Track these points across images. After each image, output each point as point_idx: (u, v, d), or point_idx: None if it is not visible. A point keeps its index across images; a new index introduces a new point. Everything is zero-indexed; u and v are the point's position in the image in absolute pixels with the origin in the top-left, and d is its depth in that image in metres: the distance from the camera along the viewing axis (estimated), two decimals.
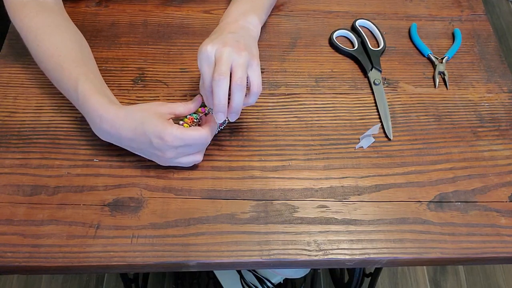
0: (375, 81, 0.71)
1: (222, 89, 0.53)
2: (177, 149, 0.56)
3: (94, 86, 0.58)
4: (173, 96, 0.68)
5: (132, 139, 0.56)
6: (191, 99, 0.61)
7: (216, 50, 0.54)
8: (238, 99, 0.54)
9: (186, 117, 0.60)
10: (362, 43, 0.75)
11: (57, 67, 0.60)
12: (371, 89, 0.70)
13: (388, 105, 0.69)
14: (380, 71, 0.72)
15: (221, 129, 0.64)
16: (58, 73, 0.61)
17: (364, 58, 0.73)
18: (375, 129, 0.64)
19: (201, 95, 0.59)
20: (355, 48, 0.75)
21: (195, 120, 0.60)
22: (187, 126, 0.59)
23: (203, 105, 0.61)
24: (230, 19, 0.63)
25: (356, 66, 0.74)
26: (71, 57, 0.61)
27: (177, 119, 0.59)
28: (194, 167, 0.61)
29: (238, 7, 0.65)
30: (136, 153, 0.60)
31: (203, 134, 0.56)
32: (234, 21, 0.62)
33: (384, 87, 0.71)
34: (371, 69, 0.72)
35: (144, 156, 0.59)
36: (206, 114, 0.61)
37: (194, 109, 0.59)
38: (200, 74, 0.57)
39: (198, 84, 0.60)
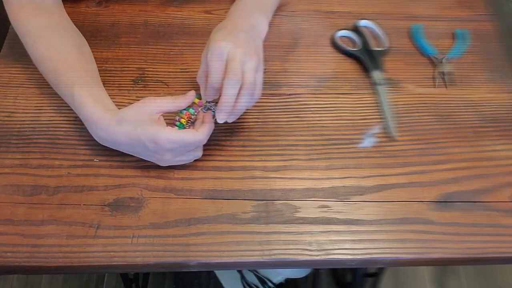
0: (378, 81, 0.70)
1: (234, 90, 0.54)
2: (173, 150, 0.56)
3: (89, 93, 0.58)
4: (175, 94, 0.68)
5: (129, 144, 0.57)
6: None
7: (229, 49, 0.54)
8: (245, 102, 0.55)
9: (181, 112, 0.59)
10: (365, 43, 0.75)
11: (54, 71, 0.61)
12: (374, 89, 0.70)
13: (391, 105, 0.69)
14: (383, 71, 0.72)
15: None
16: (55, 77, 0.61)
17: (366, 58, 0.73)
18: (376, 129, 0.63)
19: (194, 90, 0.59)
20: (357, 48, 0.75)
21: (192, 116, 0.60)
22: (184, 122, 0.59)
23: (198, 96, 0.60)
24: (241, 14, 0.63)
25: (358, 66, 0.74)
26: (69, 61, 0.61)
27: (175, 113, 0.59)
28: (194, 167, 0.61)
29: (248, 3, 0.65)
30: (136, 156, 0.60)
31: (197, 138, 0.56)
32: (245, 17, 0.62)
33: (386, 87, 0.71)
34: (374, 69, 0.72)
35: (145, 158, 0.59)
36: (204, 110, 0.61)
37: (185, 105, 0.58)
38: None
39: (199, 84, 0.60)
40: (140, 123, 0.54)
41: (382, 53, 0.74)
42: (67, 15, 0.68)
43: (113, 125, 0.56)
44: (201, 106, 0.60)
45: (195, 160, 0.62)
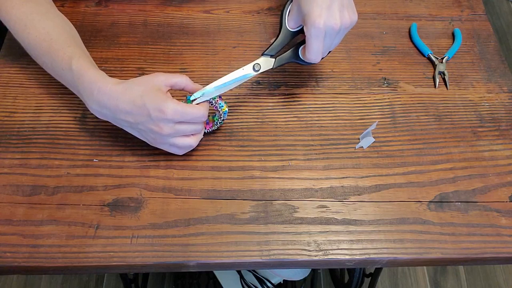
0: (255, 67, 0.62)
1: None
2: (175, 125, 0.56)
3: (89, 62, 0.59)
4: (173, 96, 0.68)
5: (130, 113, 0.56)
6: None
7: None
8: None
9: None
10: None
11: (49, 50, 0.61)
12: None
13: (388, 105, 0.69)
14: (275, 61, 0.63)
15: (219, 124, 0.64)
16: (50, 56, 0.61)
17: (281, 42, 0.63)
18: (374, 126, 0.64)
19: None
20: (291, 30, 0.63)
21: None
22: None
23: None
24: None
25: (357, 66, 0.74)
26: (62, 39, 0.61)
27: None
28: (194, 167, 0.61)
29: None
30: (130, 131, 0.59)
31: (200, 110, 0.56)
32: None
33: (384, 87, 0.71)
34: (268, 55, 0.63)
35: (138, 136, 0.59)
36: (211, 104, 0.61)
37: (192, 86, 0.59)
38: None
39: (197, 84, 0.60)
40: (148, 91, 0.55)
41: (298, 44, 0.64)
42: (52, 2, 0.67)
43: (117, 91, 0.55)
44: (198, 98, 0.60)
45: (194, 160, 0.62)
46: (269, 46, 0.63)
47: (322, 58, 0.61)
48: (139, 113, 0.55)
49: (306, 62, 0.62)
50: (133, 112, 0.55)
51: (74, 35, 0.64)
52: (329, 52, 0.62)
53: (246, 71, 0.62)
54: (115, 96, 0.55)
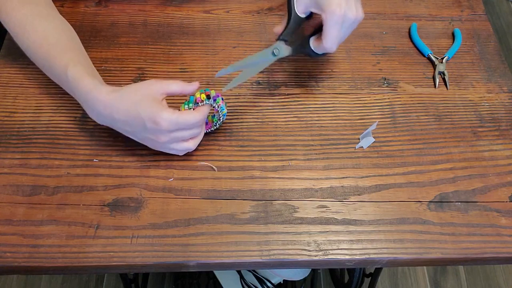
0: (274, 51, 0.62)
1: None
2: (171, 133, 0.56)
3: (84, 69, 0.59)
4: (173, 97, 0.68)
5: (126, 122, 0.56)
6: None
7: None
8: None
9: (185, 104, 0.59)
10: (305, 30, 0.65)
11: (47, 55, 0.61)
12: (269, 48, 0.63)
13: (388, 105, 0.69)
14: (288, 46, 0.63)
15: (218, 125, 0.64)
16: (47, 61, 0.61)
17: (292, 27, 0.63)
18: (374, 126, 0.64)
19: (198, 82, 0.58)
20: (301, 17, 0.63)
21: (194, 107, 0.59)
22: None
23: (201, 92, 0.59)
24: None
25: (356, 66, 0.74)
26: (60, 44, 0.61)
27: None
28: (194, 167, 0.61)
29: None
30: (130, 136, 0.59)
31: (196, 117, 0.56)
32: None
33: (384, 87, 0.71)
34: (283, 40, 0.63)
35: (138, 140, 0.59)
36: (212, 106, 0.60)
37: (190, 90, 0.58)
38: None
39: (194, 83, 0.59)
40: (142, 101, 0.54)
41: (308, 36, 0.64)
42: (53, 4, 0.67)
43: (112, 100, 0.55)
44: (202, 102, 0.60)
45: (194, 160, 0.62)
46: (283, 32, 0.63)
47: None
48: (134, 123, 0.55)
49: (318, 54, 0.63)
50: (129, 122, 0.56)
51: (73, 38, 0.64)
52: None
53: (265, 54, 0.62)
54: (110, 105, 0.55)
